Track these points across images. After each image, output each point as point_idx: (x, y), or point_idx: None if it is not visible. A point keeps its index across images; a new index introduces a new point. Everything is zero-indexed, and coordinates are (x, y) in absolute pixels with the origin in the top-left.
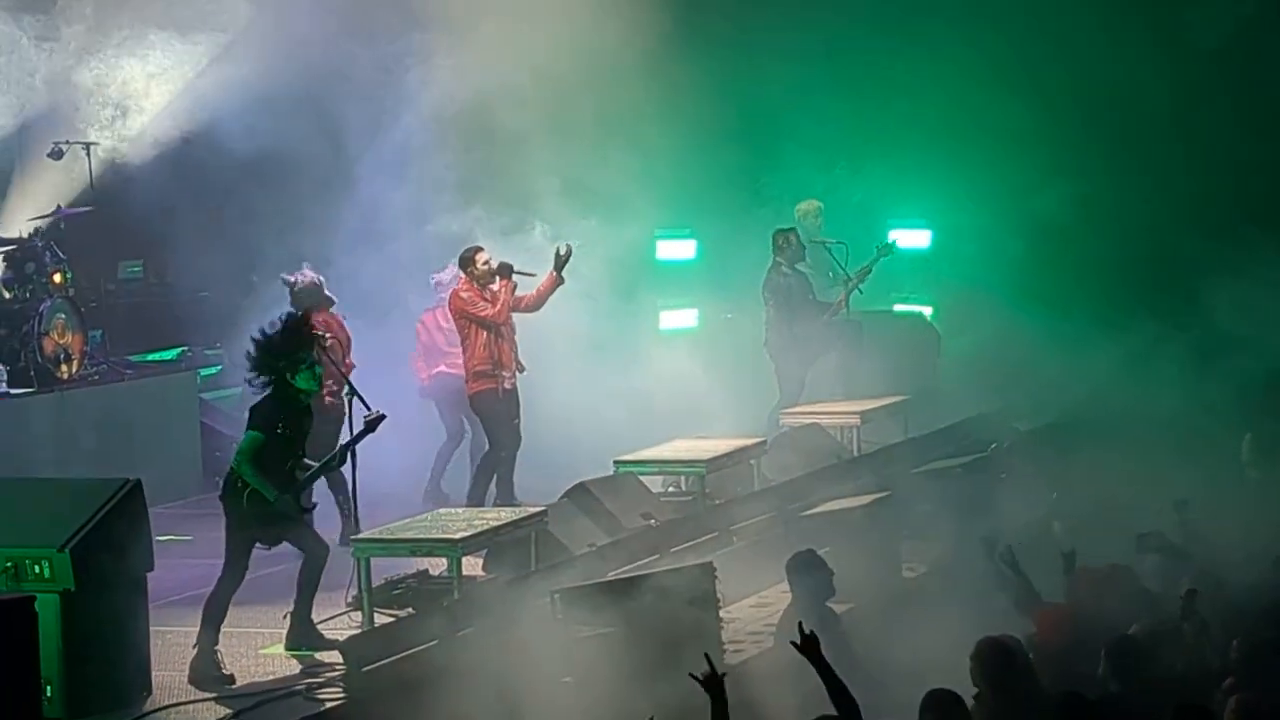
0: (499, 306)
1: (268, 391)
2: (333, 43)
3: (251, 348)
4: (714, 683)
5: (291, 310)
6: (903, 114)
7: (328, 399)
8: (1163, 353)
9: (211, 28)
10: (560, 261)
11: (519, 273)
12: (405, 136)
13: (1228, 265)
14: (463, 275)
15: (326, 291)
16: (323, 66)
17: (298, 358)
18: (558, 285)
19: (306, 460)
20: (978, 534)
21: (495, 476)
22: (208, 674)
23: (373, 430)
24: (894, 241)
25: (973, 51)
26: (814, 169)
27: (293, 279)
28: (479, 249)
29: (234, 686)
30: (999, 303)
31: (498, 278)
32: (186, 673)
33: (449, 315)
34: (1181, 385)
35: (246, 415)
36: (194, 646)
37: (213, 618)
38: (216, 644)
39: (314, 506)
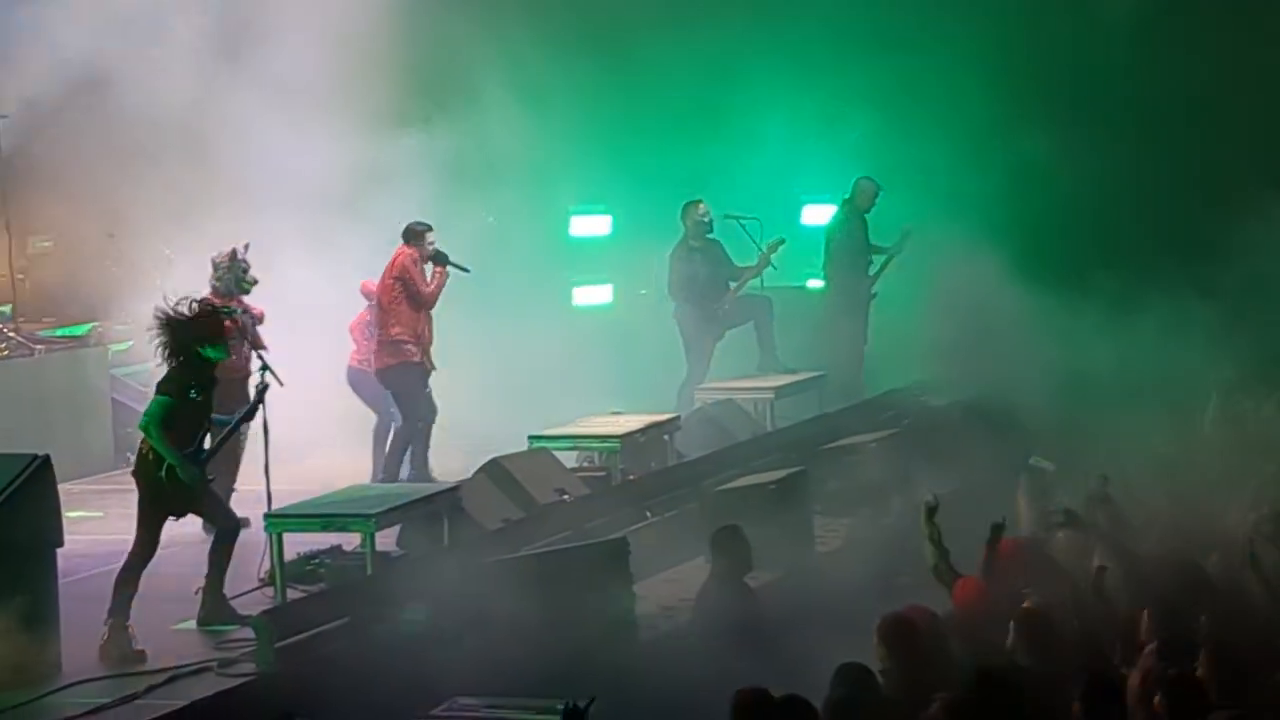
0: (434, 288)
1: (177, 361)
2: None
3: (163, 331)
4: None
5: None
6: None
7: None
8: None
9: None
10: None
11: (454, 265)
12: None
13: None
14: (408, 248)
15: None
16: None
17: (210, 339)
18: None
19: (216, 415)
20: (891, 507)
21: (410, 450)
22: (119, 650)
23: (261, 399)
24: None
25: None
26: (733, 142)
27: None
28: (429, 227)
29: (145, 662)
30: (930, 276)
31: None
32: (97, 649)
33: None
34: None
35: (154, 386)
36: (105, 622)
37: (124, 593)
38: (128, 620)
39: (213, 479)
